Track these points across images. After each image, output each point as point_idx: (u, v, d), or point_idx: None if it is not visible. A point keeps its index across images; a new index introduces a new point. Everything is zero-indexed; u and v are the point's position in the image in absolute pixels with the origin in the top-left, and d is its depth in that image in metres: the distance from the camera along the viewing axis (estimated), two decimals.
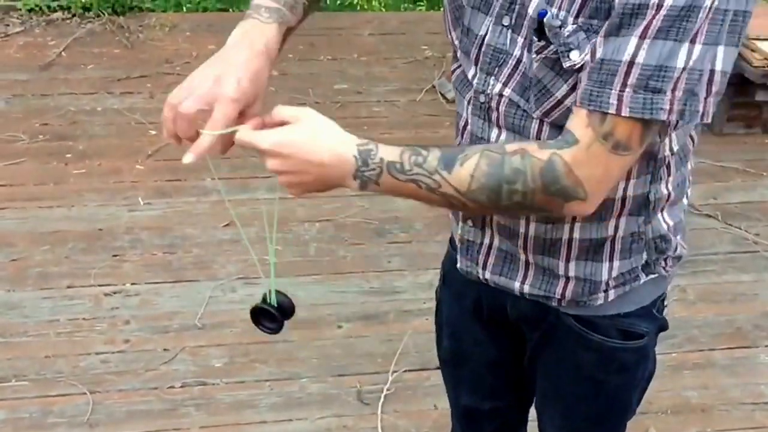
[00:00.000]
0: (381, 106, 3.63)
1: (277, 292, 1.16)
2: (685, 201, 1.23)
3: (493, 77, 1.10)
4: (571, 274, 1.19)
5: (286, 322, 1.15)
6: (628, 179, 1.12)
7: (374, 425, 2.22)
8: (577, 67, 1.00)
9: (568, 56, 1.00)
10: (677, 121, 1.00)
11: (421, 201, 1.05)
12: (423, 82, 3.77)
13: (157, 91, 3.61)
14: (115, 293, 2.59)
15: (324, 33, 4.12)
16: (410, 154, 1.00)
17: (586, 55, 0.99)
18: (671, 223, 1.20)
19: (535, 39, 1.03)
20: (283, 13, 1.10)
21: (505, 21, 1.07)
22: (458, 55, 1.17)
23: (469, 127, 1.16)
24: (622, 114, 0.96)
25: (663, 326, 1.29)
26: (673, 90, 0.95)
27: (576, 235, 1.16)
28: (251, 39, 1.07)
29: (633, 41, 0.95)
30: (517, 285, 1.23)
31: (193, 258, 2.75)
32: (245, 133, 1.02)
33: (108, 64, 3.81)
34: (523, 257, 1.21)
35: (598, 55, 0.97)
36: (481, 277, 1.26)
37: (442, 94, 3.69)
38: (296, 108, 1.03)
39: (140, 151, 3.23)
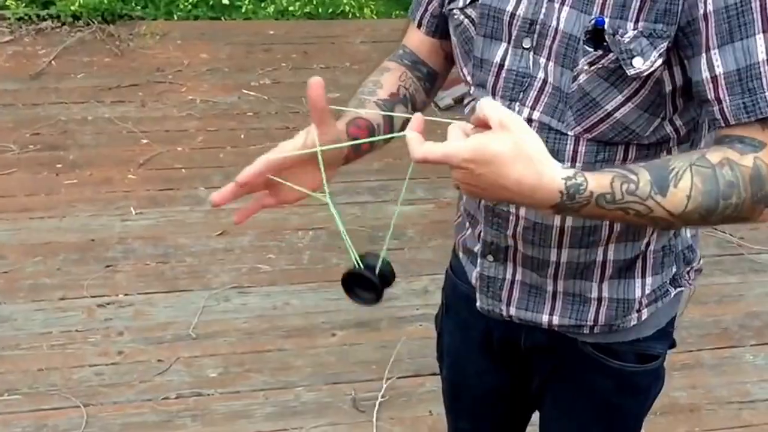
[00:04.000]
0: None
1: (366, 255, 0.94)
2: None
3: (518, 103, 1.07)
4: (605, 294, 1.16)
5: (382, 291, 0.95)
6: None
7: None
8: (644, 74, 0.98)
9: (632, 63, 0.97)
10: None
11: (616, 221, 0.99)
12: None
13: (149, 100, 3.61)
14: (108, 304, 2.58)
15: (316, 42, 4.13)
16: (621, 181, 0.92)
17: (654, 62, 0.97)
18: (691, 233, 1.20)
19: (590, 49, 0.99)
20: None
21: (526, 43, 1.05)
22: (472, 90, 1.14)
23: None
24: None
25: (673, 343, 1.28)
26: None
27: (610, 256, 1.14)
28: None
29: (759, 39, 0.92)
30: (545, 318, 1.20)
31: (186, 267, 2.74)
32: (432, 148, 0.87)
33: (98, 73, 3.79)
34: (550, 288, 1.18)
35: (723, 68, 0.95)
36: (504, 314, 1.22)
37: (434, 103, 3.69)
38: (504, 110, 0.88)
39: (132, 160, 3.23)
